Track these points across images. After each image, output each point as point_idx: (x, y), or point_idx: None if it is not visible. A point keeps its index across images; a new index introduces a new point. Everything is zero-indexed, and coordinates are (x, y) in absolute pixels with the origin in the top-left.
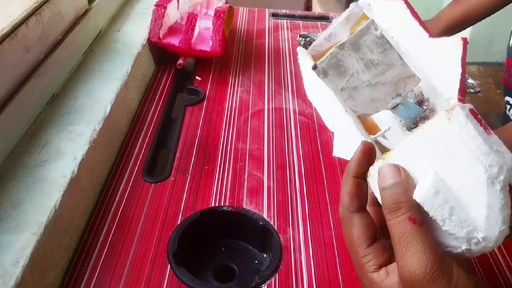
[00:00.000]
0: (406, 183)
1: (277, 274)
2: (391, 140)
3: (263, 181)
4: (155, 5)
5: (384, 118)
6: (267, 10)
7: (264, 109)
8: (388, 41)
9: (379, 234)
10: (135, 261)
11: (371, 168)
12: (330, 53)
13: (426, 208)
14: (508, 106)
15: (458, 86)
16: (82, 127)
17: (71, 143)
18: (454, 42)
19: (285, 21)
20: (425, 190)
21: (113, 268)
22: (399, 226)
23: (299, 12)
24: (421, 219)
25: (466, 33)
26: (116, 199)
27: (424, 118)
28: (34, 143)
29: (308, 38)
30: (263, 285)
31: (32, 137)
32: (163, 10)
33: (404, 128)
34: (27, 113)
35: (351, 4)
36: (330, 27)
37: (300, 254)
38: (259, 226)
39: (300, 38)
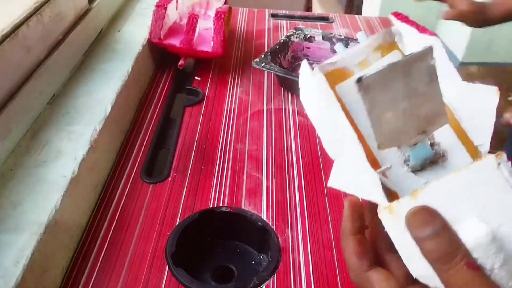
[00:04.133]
0: (450, 228)
1: (275, 275)
2: (390, 178)
3: (261, 181)
4: (155, 6)
5: (383, 153)
6: (266, 10)
7: (263, 110)
8: (436, 74)
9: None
10: (134, 261)
11: (394, 203)
12: (380, 69)
13: (476, 255)
14: None
15: (490, 134)
16: (82, 127)
17: (71, 143)
18: (490, 90)
19: (284, 21)
20: (481, 235)
21: (111, 268)
22: (459, 275)
23: (299, 13)
24: (476, 263)
25: (467, 33)
26: (115, 199)
27: (433, 162)
28: (34, 143)
29: (300, 32)
30: (262, 286)
31: (32, 137)
32: (163, 10)
33: (409, 169)
34: (28, 113)
35: (383, 30)
36: (354, 47)
37: (298, 255)
38: (258, 227)
39: (294, 31)
